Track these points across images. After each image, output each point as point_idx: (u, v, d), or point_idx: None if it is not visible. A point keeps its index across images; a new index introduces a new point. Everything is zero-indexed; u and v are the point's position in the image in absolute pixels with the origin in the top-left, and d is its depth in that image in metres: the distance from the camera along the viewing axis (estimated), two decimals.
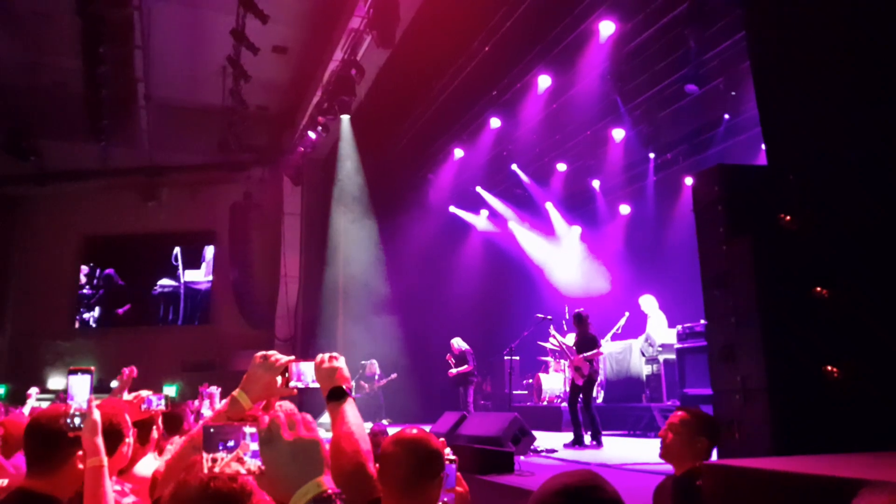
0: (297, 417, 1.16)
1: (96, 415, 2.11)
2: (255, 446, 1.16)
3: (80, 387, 2.13)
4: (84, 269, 17.08)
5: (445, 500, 2.10)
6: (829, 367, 4.30)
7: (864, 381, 4.15)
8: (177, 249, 17.48)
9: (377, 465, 1.85)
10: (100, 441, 2.08)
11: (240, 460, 1.16)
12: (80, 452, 2.13)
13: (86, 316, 16.98)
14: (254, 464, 1.15)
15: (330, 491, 1.09)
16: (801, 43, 4.84)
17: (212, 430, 1.17)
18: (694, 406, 5.63)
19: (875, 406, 4.05)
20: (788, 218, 4.62)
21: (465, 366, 11.30)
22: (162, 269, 17.43)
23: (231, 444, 1.16)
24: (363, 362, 13.23)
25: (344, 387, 1.87)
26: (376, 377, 13.14)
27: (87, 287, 17.09)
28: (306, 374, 1.95)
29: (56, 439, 2.15)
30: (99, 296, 17.10)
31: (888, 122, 4.32)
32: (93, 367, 2.16)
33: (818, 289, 4.38)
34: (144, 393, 2.97)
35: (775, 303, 4.39)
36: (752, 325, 4.37)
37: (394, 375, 13.08)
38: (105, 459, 2.08)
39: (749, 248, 4.46)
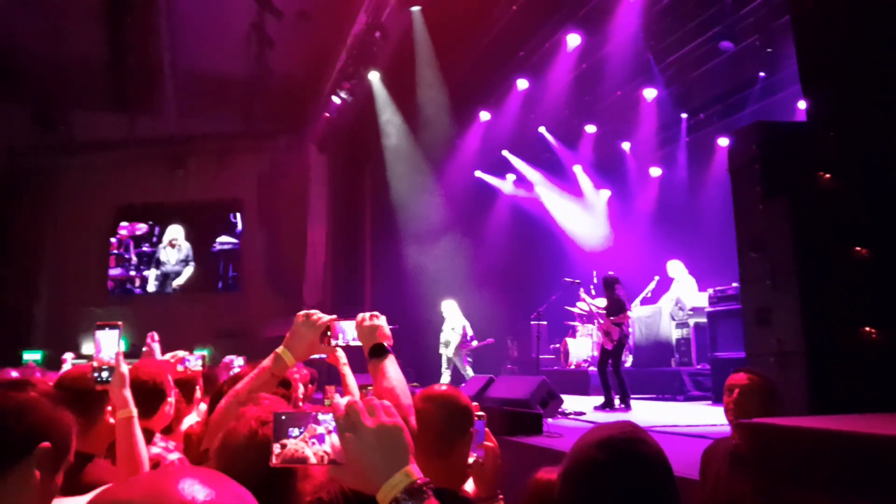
0: (376, 403, 1.10)
1: (124, 368, 2.13)
2: (321, 430, 1.13)
3: (107, 341, 2.15)
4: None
5: (476, 454, 2.12)
6: (868, 329, 4.22)
7: None
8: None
9: None
10: (128, 393, 2.11)
11: (308, 445, 1.13)
12: (110, 407, 2.16)
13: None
14: (321, 449, 1.12)
15: (420, 481, 1.03)
16: None
17: (283, 416, 1.14)
18: (726, 370, 5.58)
19: None
20: (828, 176, 4.50)
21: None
22: (194, 237, 17.60)
23: (301, 429, 1.13)
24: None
25: (385, 344, 1.89)
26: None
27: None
28: (347, 332, 1.98)
29: (84, 395, 2.17)
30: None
31: None
32: (120, 322, 2.18)
33: (858, 249, 4.28)
34: (181, 353, 3.02)
35: (813, 264, 4.30)
36: (788, 288, 4.29)
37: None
38: (135, 411, 2.10)
39: (787, 207, 4.36)
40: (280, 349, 1.93)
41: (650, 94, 11.44)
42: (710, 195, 11.24)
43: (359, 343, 1.95)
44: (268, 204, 16.44)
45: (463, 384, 8.99)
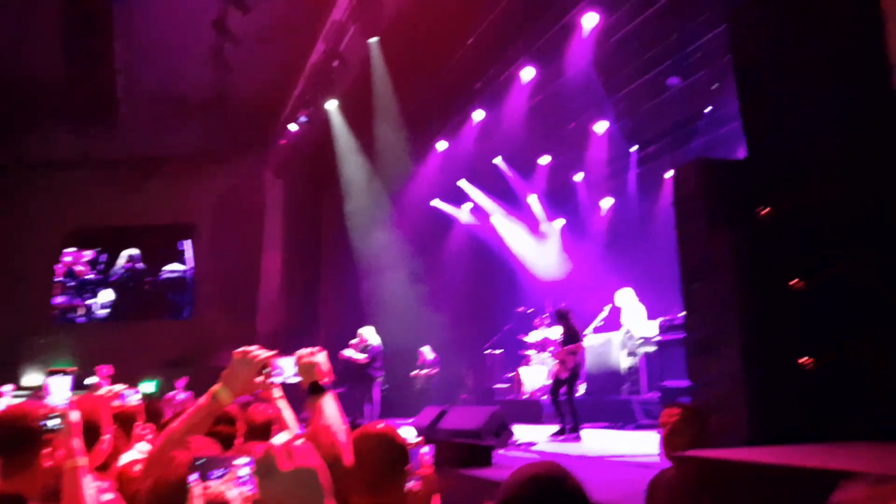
0: (294, 446, 1.12)
1: (75, 416, 2.08)
2: (243, 472, 1.14)
3: (59, 387, 2.12)
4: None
5: (412, 482, 2.13)
6: (806, 358, 4.36)
7: (840, 372, 4.21)
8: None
9: None
10: (78, 443, 2.06)
11: (229, 487, 1.14)
12: (48, 450, 2.10)
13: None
14: (244, 490, 1.13)
15: None
16: (780, 35, 4.88)
17: (203, 461, 1.15)
18: (674, 398, 5.69)
19: (850, 397, 4.11)
20: (767, 210, 4.67)
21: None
22: (147, 261, 17.23)
23: (223, 472, 1.15)
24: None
25: (324, 381, 1.88)
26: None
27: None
28: (286, 368, 1.97)
29: (19, 435, 2.11)
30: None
31: (867, 114, 4.37)
32: (75, 368, 2.14)
33: (795, 280, 4.43)
34: (118, 388, 2.96)
35: (753, 295, 4.44)
36: (730, 318, 4.41)
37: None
38: (85, 461, 2.06)
39: (728, 240, 4.50)
40: (216, 387, 1.90)
41: (602, 126, 11.74)
42: (660, 226, 11.50)
43: (297, 380, 1.94)
44: (223, 228, 16.24)
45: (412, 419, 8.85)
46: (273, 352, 1.93)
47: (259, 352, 1.93)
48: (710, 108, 10.46)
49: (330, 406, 1.83)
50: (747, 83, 5.15)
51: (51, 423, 2.06)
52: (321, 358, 1.92)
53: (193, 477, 1.13)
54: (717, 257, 4.57)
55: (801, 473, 2.03)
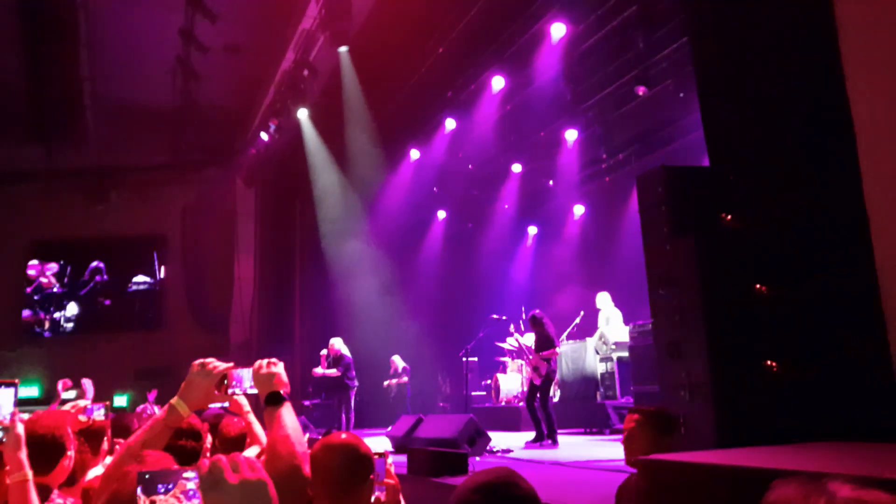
0: (241, 458, 1.11)
1: (20, 429, 2.06)
2: (192, 486, 1.14)
3: (2, 400, 2.07)
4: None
5: (377, 493, 2.14)
6: (769, 362, 4.45)
7: (801, 375, 4.30)
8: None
9: None
10: (23, 455, 2.03)
11: (177, 501, 1.14)
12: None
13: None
14: None
15: None
16: (740, 48, 5.00)
17: (148, 475, 1.15)
18: (646, 403, 5.74)
19: (811, 399, 4.21)
20: (729, 217, 4.77)
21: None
22: (115, 273, 16.97)
23: (170, 486, 1.15)
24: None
25: (281, 391, 1.88)
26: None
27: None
28: (245, 379, 1.96)
29: None
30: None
31: (824, 124, 4.49)
32: (16, 381, 2.10)
33: (758, 286, 4.53)
34: (83, 403, 2.91)
35: (718, 300, 4.53)
36: (695, 323, 4.49)
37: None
38: (30, 474, 2.03)
39: (692, 247, 4.59)
40: (174, 400, 1.89)
41: (572, 134, 11.86)
42: (630, 232, 11.62)
43: (256, 391, 1.93)
44: (193, 238, 16.06)
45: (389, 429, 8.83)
46: (230, 363, 1.93)
47: (217, 363, 1.92)
48: (677, 117, 10.62)
49: (289, 416, 1.82)
50: (709, 92, 5.26)
51: None
52: (280, 368, 1.92)
53: (140, 490, 1.13)
54: (682, 264, 4.66)
55: (739, 473, 2.07)
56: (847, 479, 0.89)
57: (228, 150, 15.90)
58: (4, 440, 2.03)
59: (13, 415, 2.06)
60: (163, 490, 1.13)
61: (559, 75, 10.17)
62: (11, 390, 2.09)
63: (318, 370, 10.85)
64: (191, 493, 1.13)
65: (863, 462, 2.73)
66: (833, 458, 2.86)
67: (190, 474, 1.13)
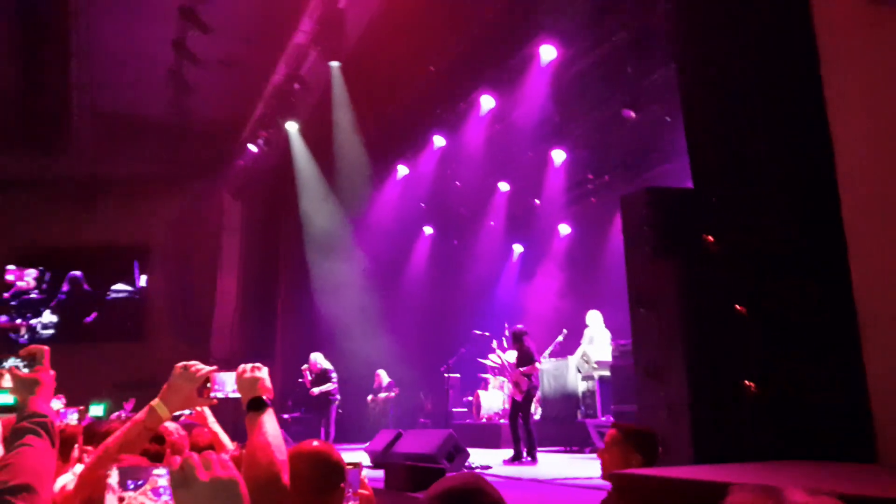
0: (213, 457, 1.11)
1: None
2: (163, 482, 1.14)
3: None
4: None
5: (350, 502, 2.14)
6: (747, 382, 4.50)
7: (780, 395, 4.35)
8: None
9: None
10: None
11: (147, 498, 1.14)
12: None
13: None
14: (161, 501, 1.13)
15: None
16: (725, 75, 5.11)
17: (118, 471, 1.15)
18: (626, 422, 5.77)
19: (790, 419, 4.25)
20: (712, 239, 4.84)
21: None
22: (96, 282, 16.81)
23: (140, 482, 1.14)
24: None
25: (264, 397, 1.87)
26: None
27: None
28: (228, 383, 1.95)
29: None
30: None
31: (805, 150, 4.59)
32: None
33: (738, 307, 4.58)
34: (56, 406, 2.89)
35: (698, 321, 4.57)
36: (675, 343, 4.53)
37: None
38: None
39: (674, 268, 4.65)
40: (155, 402, 1.88)
41: (559, 155, 11.98)
42: (614, 253, 11.70)
43: (238, 395, 1.93)
44: (178, 249, 15.95)
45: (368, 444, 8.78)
46: (213, 367, 1.93)
47: (200, 366, 1.92)
48: (663, 141, 10.75)
49: (270, 423, 1.82)
50: (693, 117, 5.36)
51: None
52: (264, 374, 1.92)
53: (111, 480, 1.13)
54: (663, 284, 4.71)
55: (714, 488, 2.10)
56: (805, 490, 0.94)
57: (217, 162, 15.88)
58: None
59: None
60: (132, 486, 1.13)
61: (548, 97, 10.29)
62: None
63: (315, 390, 10.80)
64: (161, 489, 1.13)
65: (827, 479, 2.77)
66: (800, 475, 2.90)
67: (161, 471, 1.13)
